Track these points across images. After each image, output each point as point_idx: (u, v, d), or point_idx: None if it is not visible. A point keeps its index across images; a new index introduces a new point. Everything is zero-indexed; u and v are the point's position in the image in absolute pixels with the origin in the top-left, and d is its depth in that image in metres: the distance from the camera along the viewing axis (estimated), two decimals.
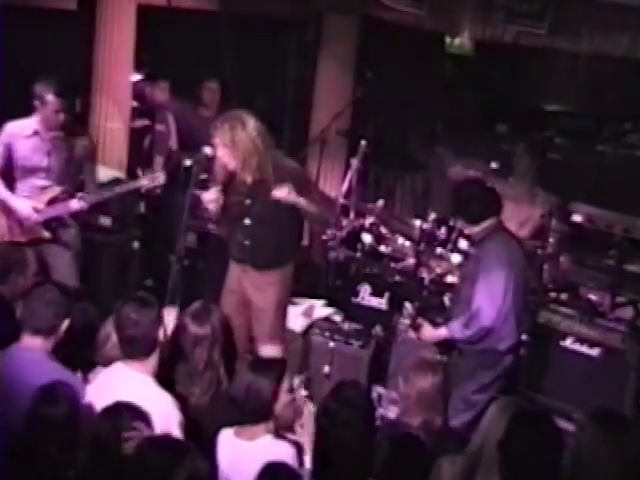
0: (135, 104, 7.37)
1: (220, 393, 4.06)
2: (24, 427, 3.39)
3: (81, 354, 4.07)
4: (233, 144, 4.90)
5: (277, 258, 5.22)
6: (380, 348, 6.00)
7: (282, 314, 5.36)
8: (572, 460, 3.36)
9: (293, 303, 5.99)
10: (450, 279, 6.22)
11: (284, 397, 3.80)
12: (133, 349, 3.80)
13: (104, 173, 6.54)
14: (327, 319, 6.23)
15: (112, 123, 7.00)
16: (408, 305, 5.75)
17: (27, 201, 5.56)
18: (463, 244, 6.28)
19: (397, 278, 6.49)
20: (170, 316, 4.36)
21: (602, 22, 6.36)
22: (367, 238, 6.73)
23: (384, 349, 6.00)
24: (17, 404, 3.54)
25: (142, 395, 3.56)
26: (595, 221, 6.27)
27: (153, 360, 3.83)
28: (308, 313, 6.27)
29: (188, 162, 6.14)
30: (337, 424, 3.47)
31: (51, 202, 5.60)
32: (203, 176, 5.15)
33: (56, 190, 5.61)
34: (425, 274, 6.27)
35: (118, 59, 6.91)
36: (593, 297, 6.24)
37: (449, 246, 6.40)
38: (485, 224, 5.04)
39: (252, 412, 3.75)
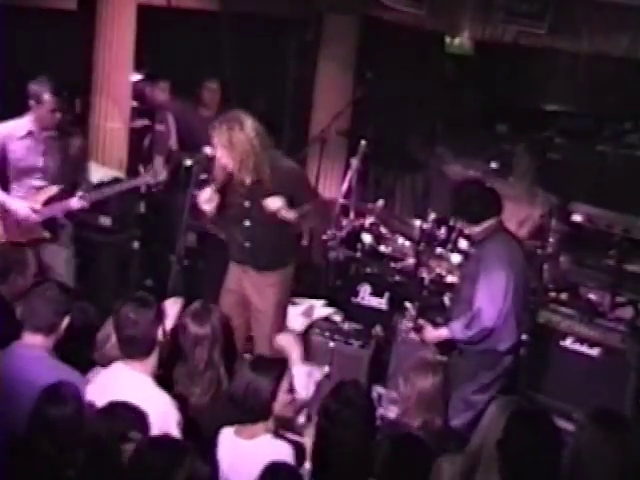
0: (135, 104, 7.37)
1: (220, 393, 4.06)
2: (27, 427, 3.39)
3: (81, 354, 4.07)
4: (231, 145, 4.90)
5: (277, 259, 5.22)
6: (380, 348, 6.00)
7: (282, 315, 5.35)
8: (571, 460, 3.36)
9: (293, 303, 5.98)
10: (450, 279, 6.22)
11: (283, 397, 3.80)
12: (132, 349, 3.80)
13: (104, 173, 6.54)
14: (327, 319, 6.23)
15: (112, 123, 7.00)
16: (410, 306, 5.75)
17: (24, 202, 5.52)
18: (463, 244, 6.28)
19: (397, 278, 6.49)
20: (174, 308, 4.38)
21: (602, 22, 6.36)
22: (367, 238, 6.73)
23: (384, 349, 6.00)
24: (18, 402, 3.55)
25: (141, 395, 3.56)
26: (595, 221, 6.28)
27: (152, 360, 3.83)
28: (308, 313, 6.27)
29: (188, 162, 6.15)
30: (337, 424, 3.47)
31: (47, 202, 5.58)
32: (203, 176, 5.15)
33: (52, 190, 5.58)
34: (425, 274, 6.28)
35: (118, 59, 6.91)
36: (593, 297, 6.24)
37: (449, 246, 6.40)
38: (485, 224, 5.04)
39: (251, 411, 3.76)
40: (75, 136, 5.72)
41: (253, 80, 7.74)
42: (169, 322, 4.14)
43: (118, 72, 6.96)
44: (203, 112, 7.33)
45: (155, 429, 3.40)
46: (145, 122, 7.59)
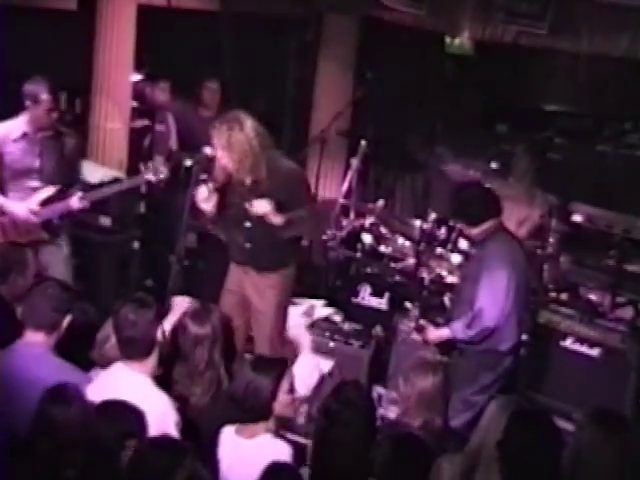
0: (135, 104, 7.36)
1: (220, 393, 4.06)
2: (30, 427, 3.39)
3: (81, 354, 4.07)
4: (230, 145, 4.89)
5: (278, 260, 5.21)
6: (380, 348, 6.00)
7: (282, 316, 5.34)
8: (571, 460, 3.36)
9: (293, 303, 5.98)
10: (450, 279, 6.23)
11: (284, 397, 3.80)
12: (132, 349, 3.80)
13: (104, 173, 6.53)
14: (327, 319, 6.23)
15: (112, 123, 7.00)
16: (412, 307, 5.74)
17: (22, 204, 5.50)
18: (463, 244, 6.29)
19: (397, 278, 6.50)
20: (183, 305, 4.40)
21: (602, 22, 6.36)
22: (367, 238, 6.73)
23: (384, 349, 6.00)
24: (21, 400, 3.55)
25: (139, 395, 3.56)
26: (595, 221, 6.28)
27: (152, 360, 3.83)
28: (308, 313, 6.27)
29: (188, 162, 6.14)
30: (338, 424, 3.47)
31: (45, 203, 5.57)
32: (203, 176, 5.14)
33: (49, 191, 5.57)
34: (425, 274, 6.28)
35: (118, 59, 6.91)
36: (593, 297, 6.25)
37: (449, 246, 6.41)
38: (485, 226, 5.04)
39: (251, 410, 3.76)
40: (69, 136, 5.70)
41: (253, 80, 7.74)
42: (174, 319, 4.16)
43: (118, 72, 6.96)
44: (203, 112, 7.33)
45: (153, 429, 3.40)
46: (145, 122, 7.59)
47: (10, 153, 5.49)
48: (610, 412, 3.56)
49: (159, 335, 3.84)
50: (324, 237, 6.89)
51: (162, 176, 5.70)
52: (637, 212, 6.31)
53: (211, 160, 5.11)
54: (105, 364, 3.95)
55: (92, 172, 6.46)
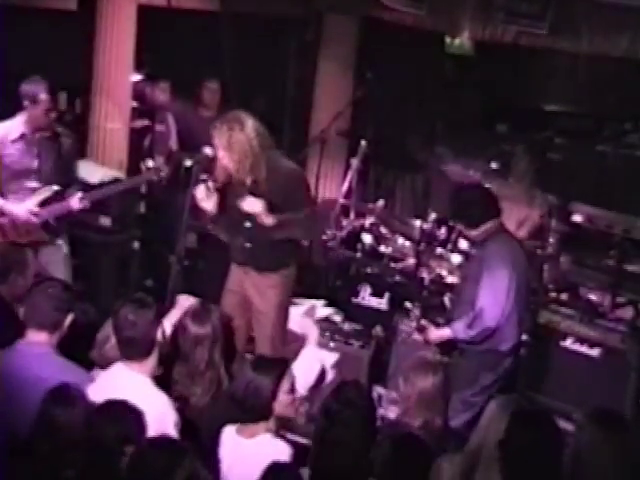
0: (135, 104, 7.36)
1: (220, 392, 4.07)
2: (33, 427, 3.39)
3: (81, 354, 4.07)
4: (230, 145, 4.89)
5: (278, 260, 5.20)
6: (380, 348, 6.00)
7: (283, 316, 5.34)
8: (572, 460, 3.36)
9: (294, 304, 5.98)
10: (450, 279, 6.23)
11: (284, 397, 3.80)
12: (131, 350, 3.80)
13: (104, 173, 6.53)
14: (327, 319, 6.23)
15: (112, 123, 7.00)
16: (413, 307, 5.74)
17: (22, 204, 5.49)
18: (463, 244, 6.29)
19: (397, 278, 6.50)
20: (187, 303, 4.41)
21: (602, 22, 6.36)
22: (367, 238, 6.73)
23: (384, 349, 6.00)
24: (23, 399, 3.56)
25: (139, 396, 3.57)
26: (595, 221, 6.28)
27: (152, 361, 3.83)
28: (309, 313, 6.27)
29: (188, 162, 6.12)
30: (338, 424, 3.47)
31: (44, 203, 5.56)
32: (203, 176, 5.14)
33: (47, 191, 5.56)
34: (425, 274, 6.28)
35: (118, 59, 6.91)
36: (593, 297, 6.25)
37: (449, 246, 6.41)
38: (484, 227, 5.04)
39: (251, 410, 3.77)
40: (66, 136, 5.69)
41: (253, 80, 7.74)
42: (177, 317, 4.19)
43: (118, 72, 6.95)
44: (203, 112, 7.33)
45: (152, 430, 3.40)
46: (145, 122, 7.58)
47: (9, 154, 5.48)
48: (610, 412, 3.57)
49: (159, 335, 3.85)
50: (324, 237, 6.89)
51: (163, 174, 5.71)
52: (637, 212, 6.31)
53: (211, 160, 5.11)
54: (105, 364, 3.95)
55: (92, 172, 6.46)
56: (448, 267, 6.32)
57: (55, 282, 4.23)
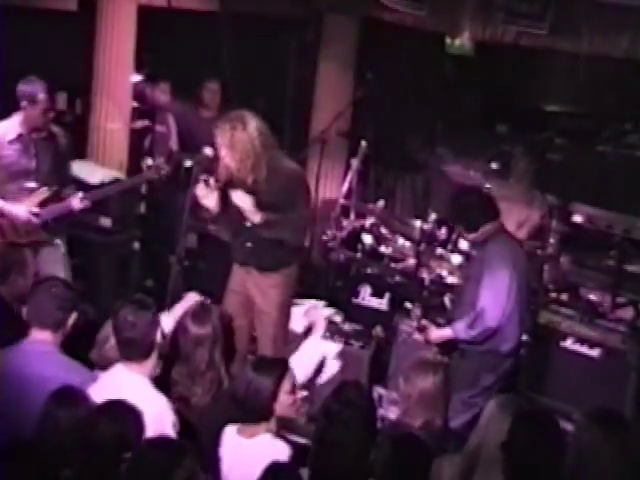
0: (135, 105, 7.37)
1: (221, 392, 4.07)
2: (37, 427, 3.39)
3: (81, 355, 4.08)
4: (232, 145, 4.89)
5: (280, 259, 5.20)
6: (380, 349, 6.00)
7: (285, 316, 5.33)
8: (573, 460, 3.36)
9: (294, 304, 5.98)
10: (450, 280, 6.23)
11: (284, 398, 3.80)
12: (131, 351, 3.81)
13: (105, 174, 6.53)
14: (327, 320, 6.22)
15: (112, 124, 7.00)
16: (414, 307, 5.75)
17: (22, 205, 5.48)
18: (463, 244, 6.29)
19: (397, 279, 6.50)
20: (191, 300, 4.42)
21: (602, 22, 6.35)
22: (367, 239, 6.73)
23: (384, 350, 6.00)
24: (28, 398, 3.56)
25: (137, 396, 3.57)
26: (595, 221, 6.28)
27: (151, 362, 3.83)
28: (306, 319, 6.26)
29: (188, 163, 6.13)
30: (338, 425, 3.47)
31: (43, 204, 5.56)
32: (203, 177, 5.14)
33: (46, 191, 5.56)
34: (425, 275, 6.28)
35: (118, 60, 6.91)
36: (593, 297, 6.25)
37: (449, 247, 6.41)
38: (483, 229, 5.05)
39: (252, 411, 3.77)
40: (61, 136, 5.69)
41: (253, 81, 7.74)
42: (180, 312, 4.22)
43: (118, 73, 6.96)
44: (203, 113, 7.33)
45: (150, 430, 3.41)
46: (145, 123, 7.59)
47: (6, 155, 5.48)
48: (609, 412, 3.57)
49: (158, 336, 3.85)
50: (324, 238, 6.89)
51: (163, 172, 5.71)
52: (637, 212, 6.31)
53: (212, 160, 5.11)
54: (104, 364, 3.96)
55: (92, 173, 6.46)
56: (448, 267, 6.32)
57: (58, 281, 4.24)
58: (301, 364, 4.31)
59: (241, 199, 4.97)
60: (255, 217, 4.99)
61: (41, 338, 3.92)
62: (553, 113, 8.49)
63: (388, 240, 6.74)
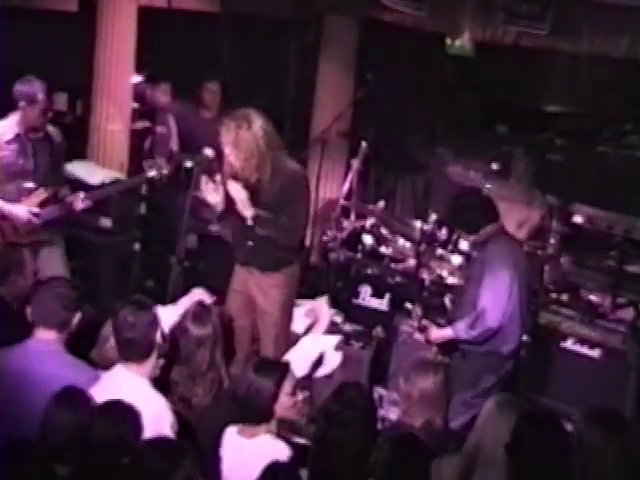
0: (136, 106, 7.37)
1: (221, 392, 4.07)
2: (41, 426, 3.40)
3: (81, 355, 4.08)
4: (236, 143, 4.89)
5: (280, 259, 5.20)
6: (381, 349, 6.00)
7: (287, 316, 5.32)
8: (574, 460, 3.35)
9: (295, 304, 5.98)
10: (451, 280, 6.23)
11: (285, 399, 3.80)
12: (130, 351, 3.81)
13: (105, 174, 6.54)
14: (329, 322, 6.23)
15: (113, 125, 7.00)
16: (415, 307, 5.75)
17: (22, 205, 5.47)
18: (464, 245, 6.29)
19: (398, 279, 6.50)
20: (197, 296, 4.43)
21: (602, 23, 6.35)
22: (368, 239, 6.73)
23: (385, 350, 6.00)
24: (34, 396, 3.56)
25: (136, 397, 3.58)
26: (596, 222, 6.28)
27: (151, 362, 3.84)
28: (310, 314, 6.26)
29: (189, 163, 6.14)
30: (339, 425, 3.47)
31: (43, 204, 5.56)
32: (204, 177, 5.14)
33: (45, 192, 5.55)
34: (426, 275, 6.28)
35: (119, 61, 6.91)
36: (594, 298, 6.25)
37: (450, 247, 6.41)
38: (483, 231, 5.06)
39: (252, 412, 3.77)
40: (55, 135, 5.68)
41: (254, 81, 7.74)
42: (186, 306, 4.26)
43: (119, 74, 6.96)
44: (204, 113, 7.33)
45: (149, 431, 3.41)
46: (146, 124, 7.60)
47: (4, 156, 5.46)
48: (609, 412, 3.57)
49: (158, 337, 3.85)
50: (325, 238, 6.89)
51: (164, 171, 5.72)
52: (637, 213, 6.31)
53: (213, 161, 5.11)
54: (106, 365, 3.96)
55: (93, 173, 6.47)
56: (448, 268, 6.32)
57: (62, 281, 4.24)
58: (299, 359, 4.31)
59: (236, 190, 4.96)
60: (247, 211, 4.98)
61: (47, 338, 3.94)
62: (553, 113, 8.49)
63: (388, 241, 6.73)
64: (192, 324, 4.12)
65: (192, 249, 6.68)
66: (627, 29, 6.34)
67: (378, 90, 7.45)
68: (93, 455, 3.25)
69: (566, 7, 6.34)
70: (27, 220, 5.48)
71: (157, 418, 3.63)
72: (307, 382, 4.59)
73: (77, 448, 3.27)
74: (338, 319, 6.24)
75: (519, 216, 6.37)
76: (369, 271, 6.61)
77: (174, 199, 6.50)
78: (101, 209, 6.17)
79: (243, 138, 4.87)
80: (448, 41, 7.34)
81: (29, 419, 3.49)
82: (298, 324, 5.89)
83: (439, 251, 6.43)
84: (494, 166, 6.91)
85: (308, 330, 5.75)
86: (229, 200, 5.06)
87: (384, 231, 6.79)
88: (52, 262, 5.63)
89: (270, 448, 3.66)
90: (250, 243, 5.17)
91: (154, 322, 3.84)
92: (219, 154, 5.14)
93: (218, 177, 5.02)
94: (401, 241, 6.70)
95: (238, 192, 4.95)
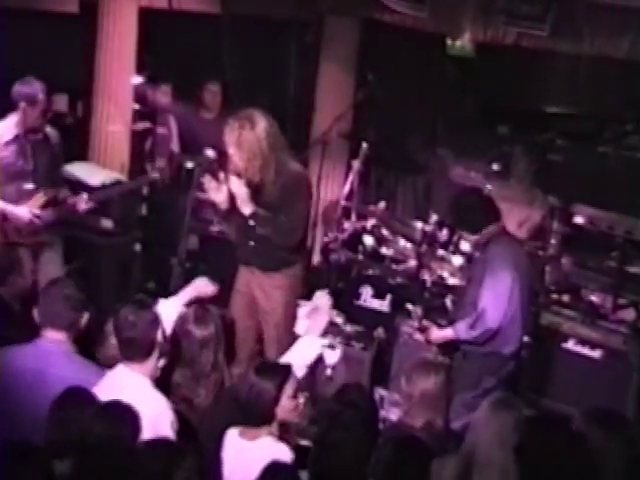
0: (137, 107, 7.36)
1: (223, 392, 4.08)
2: (47, 427, 3.40)
3: (82, 355, 4.08)
4: (239, 144, 4.89)
5: (282, 259, 5.20)
6: (382, 350, 6.00)
7: (290, 317, 5.32)
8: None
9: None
10: (452, 281, 6.23)
11: (287, 402, 3.80)
12: (131, 351, 3.82)
13: (106, 175, 6.54)
14: (329, 321, 6.22)
15: (114, 126, 7.00)
16: (415, 308, 5.75)
17: (24, 207, 5.47)
18: (465, 246, 6.29)
19: (399, 280, 6.50)
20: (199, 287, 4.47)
21: (603, 24, 6.36)
22: (369, 240, 6.73)
23: (386, 351, 6.00)
24: (44, 397, 3.55)
25: (137, 396, 3.58)
26: (597, 223, 6.28)
27: (152, 362, 3.84)
28: (311, 315, 6.26)
29: (190, 164, 6.15)
30: (340, 426, 3.47)
31: (45, 205, 5.55)
32: (204, 178, 5.14)
33: (46, 193, 5.55)
34: (427, 276, 6.28)
35: (120, 62, 6.92)
36: (595, 299, 6.25)
37: (451, 248, 6.41)
38: (485, 232, 5.05)
39: (254, 414, 3.77)
40: (54, 136, 5.68)
41: (254, 82, 7.74)
42: (189, 297, 4.34)
43: (120, 75, 6.96)
44: (204, 114, 7.33)
45: (149, 430, 3.42)
46: (147, 125, 7.60)
47: (4, 157, 5.45)
48: (608, 411, 3.57)
49: (159, 336, 3.85)
50: (326, 239, 6.89)
51: (166, 174, 5.72)
52: (638, 213, 6.31)
53: (212, 162, 5.11)
54: (110, 364, 3.96)
55: (94, 174, 6.47)
56: (449, 269, 6.32)
57: (69, 282, 4.23)
58: (297, 360, 4.31)
59: (237, 186, 4.96)
60: (246, 208, 4.98)
61: (57, 338, 3.95)
62: (554, 114, 8.48)
63: (389, 241, 6.73)
64: (194, 326, 4.12)
65: (193, 250, 6.67)
66: (628, 30, 6.34)
67: (379, 91, 7.45)
68: (92, 455, 3.24)
69: (567, 8, 6.34)
70: (29, 221, 5.48)
71: (158, 417, 3.63)
72: (308, 383, 4.59)
73: (78, 448, 3.27)
74: (339, 320, 6.23)
75: (520, 216, 6.37)
76: (370, 272, 6.61)
77: (175, 200, 6.50)
78: (102, 210, 6.17)
79: (246, 139, 4.87)
80: (449, 42, 7.33)
81: (42, 420, 3.49)
82: (300, 325, 5.88)
83: (440, 252, 6.43)
84: (495, 167, 6.91)
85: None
86: (233, 199, 5.06)
87: (385, 232, 6.78)
88: (51, 263, 5.63)
89: (271, 450, 3.66)
90: (252, 243, 5.17)
91: (155, 321, 3.84)
92: (220, 155, 5.14)
93: (222, 176, 5.01)
94: (402, 242, 6.69)
95: (239, 188, 4.95)
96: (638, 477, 3.34)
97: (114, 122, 7.01)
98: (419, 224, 6.59)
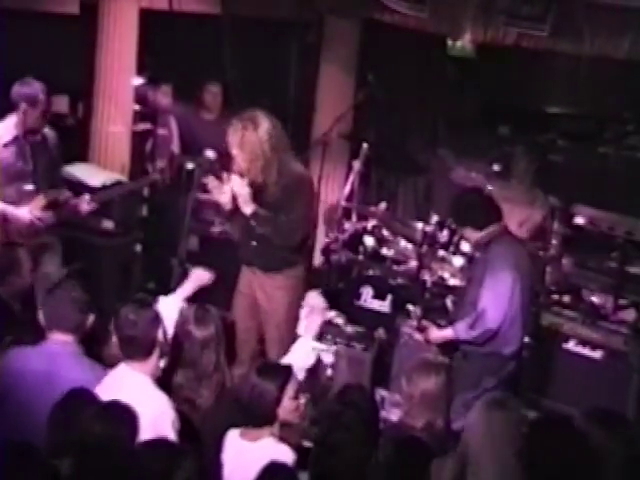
0: (137, 108, 7.37)
1: (224, 393, 4.08)
2: (50, 427, 3.40)
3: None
4: (242, 145, 4.90)
5: (283, 260, 5.20)
6: (382, 351, 6.00)
7: (292, 318, 5.30)
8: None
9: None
10: (452, 282, 6.23)
11: (288, 403, 3.80)
12: (132, 349, 3.83)
13: (106, 176, 6.54)
14: (329, 322, 6.22)
15: (114, 127, 7.00)
16: (415, 308, 5.75)
17: (25, 208, 5.47)
18: (465, 247, 6.29)
19: (399, 281, 6.50)
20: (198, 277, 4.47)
21: (604, 24, 6.35)
22: (369, 241, 6.73)
23: (386, 352, 6.00)
24: (50, 398, 3.55)
25: (138, 395, 3.59)
26: (597, 223, 6.28)
27: (153, 360, 3.85)
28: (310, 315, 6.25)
29: (190, 165, 6.15)
30: (341, 427, 3.47)
31: (46, 207, 5.55)
32: (205, 179, 5.15)
33: (47, 194, 5.55)
34: (427, 277, 6.28)
35: (120, 63, 6.92)
36: (595, 299, 6.25)
37: (451, 249, 6.41)
38: (487, 231, 5.05)
39: (255, 415, 3.78)
40: (52, 137, 5.68)
41: (255, 83, 7.74)
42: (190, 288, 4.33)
43: (120, 76, 6.96)
44: (205, 115, 7.33)
45: (150, 429, 3.43)
46: (147, 126, 7.60)
47: (3, 158, 5.44)
48: (608, 411, 3.57)
49: (160, 335, 3.85)
50: (327, 240, 6.89)
51: (167, 174, 5.72)
52: (639, 214, 6.31)
53: (213, 163, 5.11)
54: (113, 364, 3.97)
55: (94, 175, 6.47)
56: (450, 269, 6.32)
57: (74, 284, 4.23)
58: (295, 362, 4.32)
59: (239, 185, 4.96)
60: (247, 207, 4.98)
61: (63, 340, 3.95)
62: (555, 115, 8.49)
63: (390, 242, 6.73)
64: (195, 327, 4.13)
65: (193, 251, 6.67)
66: (628, 30, 6.34)
67: (379, 91, 7.45)
68: (92, 455, 3.25)
69: (567, 8, 6.34)
70: (30, 223, 5.48)
71: (159, 416, 3.64)
72: (309, 384, 4.60)
73: (77, 448, 3.27)
74: (340, 321, 6.23)
75: (520, 216, 6.37)
76: (371, 273, 6.61)
77: (175, 201, 6.51)
78: (103, 211, 6.17)
79: (248, 140, 4.87)
80: (449, 42, 7.33)
81: (42, 422, 3.49)
82: (301, 326, 5.88)
83: (440, 253, 6.43)
84: (495, 167, 6.91)
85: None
86: (236, 199, 5.06)
87: (386, 233, 6.78)
88: (51, 265, 5.64)
89: (272, 451, 3.66)
90: (254, 243, 5.18)
91: (156, 320, 3.85)
92: (221, 155, 5.14)
93: (225, 176, 5.02)
94: (403, 243, 6.69)
95: (240, 188, 4.96)
96: (638, 477, 3.34)
97: (114, 123, 7.01)
98: (420, 225, 6.59)
